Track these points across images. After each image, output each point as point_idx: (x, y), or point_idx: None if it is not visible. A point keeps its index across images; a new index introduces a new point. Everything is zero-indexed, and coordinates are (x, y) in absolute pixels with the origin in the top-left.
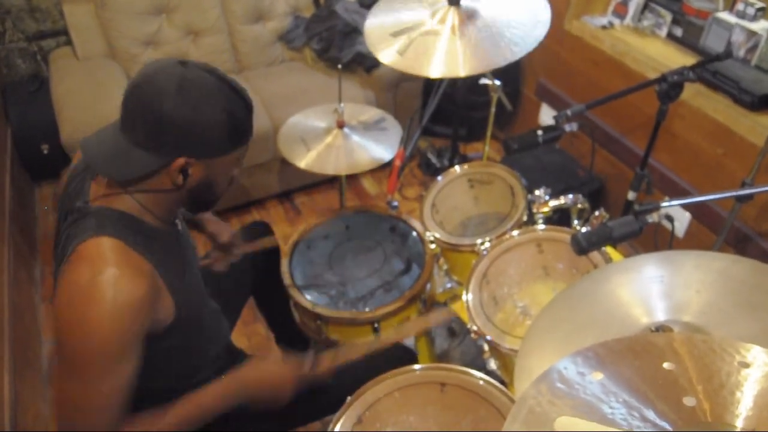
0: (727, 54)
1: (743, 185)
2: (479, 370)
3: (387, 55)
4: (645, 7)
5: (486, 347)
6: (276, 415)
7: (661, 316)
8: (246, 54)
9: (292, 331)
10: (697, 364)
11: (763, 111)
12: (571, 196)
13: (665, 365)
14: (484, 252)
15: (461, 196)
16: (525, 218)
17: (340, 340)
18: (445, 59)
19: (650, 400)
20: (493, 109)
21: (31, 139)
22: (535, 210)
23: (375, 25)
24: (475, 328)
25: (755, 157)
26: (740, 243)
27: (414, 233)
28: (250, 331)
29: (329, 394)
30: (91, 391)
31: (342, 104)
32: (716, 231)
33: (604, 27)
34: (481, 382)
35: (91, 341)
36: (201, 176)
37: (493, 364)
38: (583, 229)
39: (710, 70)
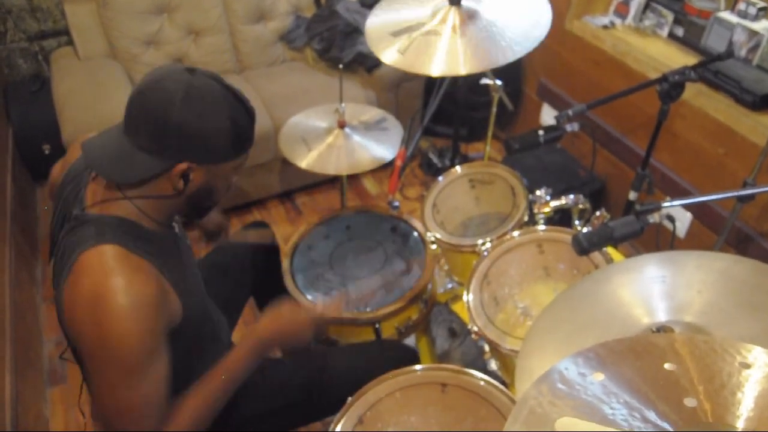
0: (729, 54)
1: (745, 185)
2: (480, 370)
3: (388, 55)
4: (646, 6)
5: (487, 348)
6: (277, 415)
7: (662, 316)
8: (247, 54)
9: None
10: (699, 365)
11: (765, 111)
12: (572, 196)
13: (666, 366)
14: (485, 252)
15: (462, 196)
16: (526, 218)
17: (340, 341)
18: (445, 58)
19: (651, 401)
20: (494, 109)
21: (33, 138)
22: (536, 210)
23: (376, 24)
24: (476, 328)
25: (757, 157)
26: (741, 243)
27: (415, 233)
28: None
29: (330, 394)
30: (133, 395)
31: (343, 104)
32: (717, 231)
33: (605, 27)
34: (482, 383)
35: (121, 349)
36: (201, 182)
37: (494, 365)
38: (584, 230)
39: (712, 69)
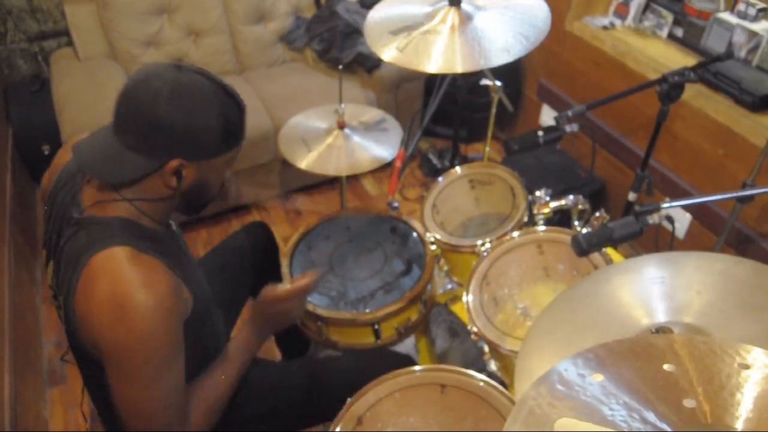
0: (728, 55)
1: (744, 186)
2: (480, 371)
3: (387, 52)
4: (646, 7)
5: (486, 348)
6: (277, 416)
7: (661, 317)
8: (247, 55)
9: (292, 332)
10: (698, 366)
11: (764, 111)
12: (571, 197)
13: (666, 367)
14: (485, 253)
15: (462, 196)
16: (526, 219)
17: (340, 341)
18: (443, 56)
19: (650, 402)
20: (493, 110)
21: (33, 139)
22: (535, 211)
23: (375, 22)
24: (475, 329)
25: (756, 157)
26: (741, 244)
27: (414, 234)
28: None
29: (330, 395)
30: (159, 393)
31: (343, 105)
32: (717, 232)
33: (605, 27)
34: (482, 384)
35: (148, 348)
36: (194, 178)
37: (493, 366)
38: (584, 230)
39: (711, 70)
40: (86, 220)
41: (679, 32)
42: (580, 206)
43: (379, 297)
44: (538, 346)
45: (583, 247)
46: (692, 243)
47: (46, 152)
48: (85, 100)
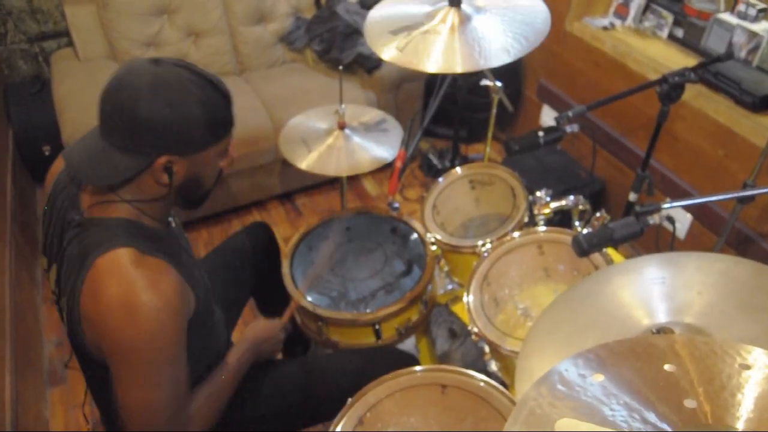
0: (729, 55)
1: (745, 186)
2: (480, 371)
3: (386, 51)
4: (646, 8)
5: (487, 349)
6: (278, 417)
7: (662, 317)
8: (247, 55)
9: (292, 332)
10: (698, 366)
11: (765, 112)
12: (572, 197)
13: (666, 367)
14: (485, 253)
15: (462, 197)
16: (526, 219)
17: (341, 342)
18: (443, 56)
19: (651, 402)
20: (494, 111)
21: (33, 140)
22: (536, 211)
23: (375, 22)
24: (476, 329)
25: (757, 158)
26: (742, 244)
27: (415, 234)
28: None
29: (331, 396)
30: (162, 393)
31: (343, 105)
32: (717, 232)
33: (605, 28)
34: (482, 384)
35: (153, 348)
36: (186, 173)
37: (494, 366)
38: (585, 231)
39: (711, 71)
40: (88, 222)
41: (679, 33)
42: (580, 207)
43: (379, 297)
44: (539, 346)
45: (584, 248)
46: (693, 243)
47: (47, 153)
48: (86, 100)
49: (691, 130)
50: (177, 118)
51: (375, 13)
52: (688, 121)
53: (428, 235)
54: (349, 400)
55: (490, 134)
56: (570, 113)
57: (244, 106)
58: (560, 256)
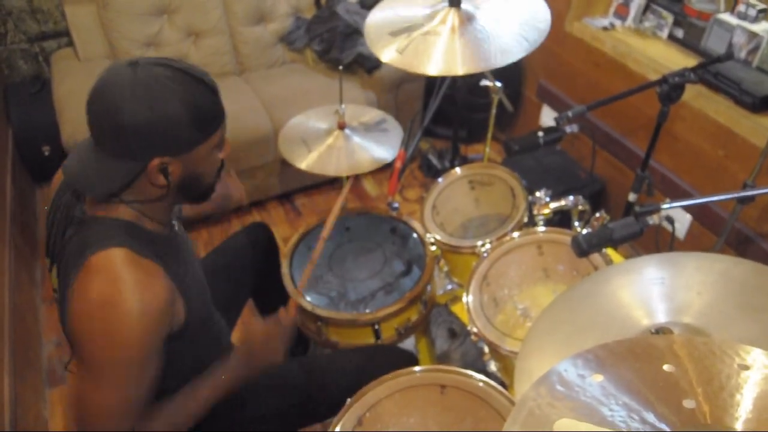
0: (729, 55)
1: (744, 187)
2: (479, 372)
3: (386, 53)
4: (646, 8)
5: (486, 349)
6: (277, 416)
7: (661, 317)
8: (247, 55)
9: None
10: (697, 367)
11: (765, 112)
12: (571, 197)
13: (665, 367)
14: (485, 254)
15: (462, 197)
16: (526, 220)
17: (340, 342)
18: (443, 58)
19: (650, 403)
20: (494, 111)
21: (33, 140)
22: (535, 212)
23: (375, 23)
24: (475, 330)
25: (756, 158)
26: (741, 245)
27: (414, 235)
28: None
29: (330, 396)
30: (119, 398)
31: (343, 105)
32: (717, 233)
33: (605, 28)
34: (481, 384)
35: (119, 351)
36: (183, 172)
37: (493, 366)
38: (584, 231)
39: (711, 71)
40: (88, 220)
41: (679, 33)
42: (580, 207)
43: (379, 297)
44: (538, 346)
45: (583, 248)
46: (692, 243)
47: (47, 153)
48: (86, 100)
49: (691, 131)
50: (161, 121)
51: (374, 15)
52: (688, 121)
53: (428, 235)
54: (349, 400)
55: (489, 134)
56: (570, 113)
57: (243, 107)
58: (560, 257)
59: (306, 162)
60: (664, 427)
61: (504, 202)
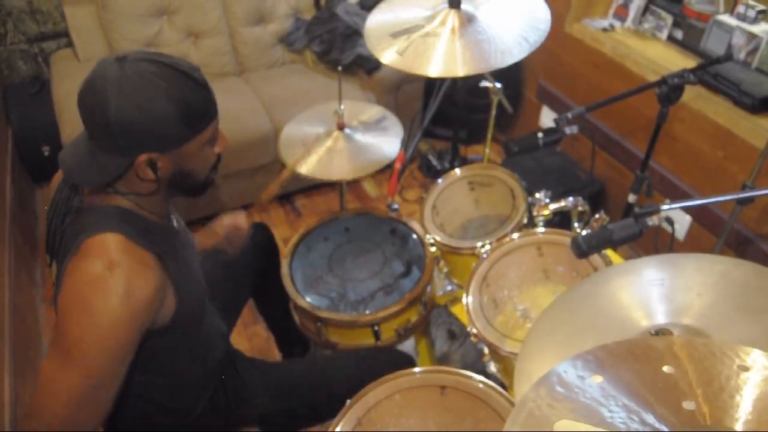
0: (728, 57)
1: (744, 188)
2: (479, 373)
3: (386, 55)
4: (646, 9)
5: (486, 350)
6: (277, 417)
7: (661, 319)
8: (247, 56)
9: (292, 333)
10: (697, 368)
11: (764, 113)
12: (571, 198)
13: (665, 368)
14: (485, 255)
15: (461, 198)
16: (525, 221)
17: (340, 343)
18: (444, 59)
19: (650, 404)
20: (493, 112)
21: (32, 140)
22: (535, 213)
23: (375, 25)
24: (475, 331)
25: (756, 159)
26: (741, 246)
27: (414, 236)
28: (250, 332)
29: (330, 397)
30: (86, 384)
31: (342, 106)
32: (717, 234)
33: (604, 29)
34: (481, 385)
35: (97, 334)
36: (173, 167)
37: (493, 367)
38: (584, 232)
39: (711, 72)
40: (86, 209)
41: (678, 34)
42: (579, 208)
43: (378, 298)
44: (538, 347)
45: (583, 249)
46: (692, 245)
47: (46, 153)
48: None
49: (690, 132)
50: (147, 118)
51: (374, 16)
52: (687, 122)
53: (427, 236)
54: (348, 401)
55: (489, 135)
56: (569, 114)
57: (243, 107)
58: (559, 258)
59: (305, 167)
60: (663, 428)
61: (504, 203)
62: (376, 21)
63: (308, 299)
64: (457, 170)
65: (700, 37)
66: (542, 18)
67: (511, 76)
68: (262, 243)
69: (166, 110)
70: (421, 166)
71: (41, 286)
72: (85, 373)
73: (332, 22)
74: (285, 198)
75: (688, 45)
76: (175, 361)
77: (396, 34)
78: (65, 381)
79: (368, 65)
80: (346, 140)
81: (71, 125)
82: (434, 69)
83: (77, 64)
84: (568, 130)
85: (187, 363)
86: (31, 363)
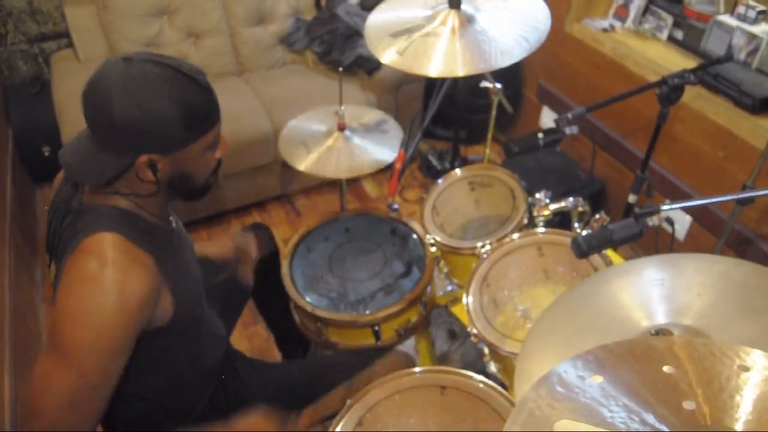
0: (728, 57)
1: (744, 188)
2: (479, 373)
3: (386, 55)
4: (646, 9)
5: (486, 350)
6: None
7: (661, 319)
8: (247, 56)
9: (292, 333)
10: (697, 368)
11: (764, 114)
12: (571, 198)
13: (665, 369)
14: (485, 255)
15: (462, 198)
16: (525, 221)
17: (340, 343)
18: (444, 59)
19: (650, 404)
20: (494, 112)
21: (33, 140)
22: (535, 213)
23: (375, 25)
24: (475, 331)
25: (756, 159)
26: (741, 246)
27: (414, 236)
28: (250, 333)
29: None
30: (79, 383)
31: (343, 107)
32: (717, 234)
33: (605, 30)
34: (481, 385)
35: (91, 332)
36: (172, 170)
37: (493, 367)
38: (584, 232)
39: (711, 73)
40: (85, 209)
41: (678, 34)
42: (580, 208)
43: (379, 298)
44: (538, 347)
45: (583, 249)
46: (692, 245)
47: (47, 153)
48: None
49: (690, 132)
50: (149, 119)
51: (375, 17)
52: (687, 122)
53: (428, 236)
54: (349, 401)
55: (489, 136)
56: (569, 115)
57: (243, 107)
58: (560, 258)
59: (305, 164)
60: (664, 428)
61: (504, 203)
62: (376, 21)
63: (308, 299)
64: (458, 170)
65: (701, 37)
66: (542, 18)
67: (512, 76)
68: (262, 243)
69: (169, 112)
70: (422, 167)
71: (41, 286)
72: (77, 372)
73: (333, 22)
74: (285, 198)
75: (688, 45)
76: (175, 362)
77: (396, 34)
78: (58, 379)
79: (369, 65)
80: (347, 141)
81: (72, 125)
82: (434, 69)
83: (78, 65)
84: (568, 131)
85: (187, 364)
86: (31, 363)
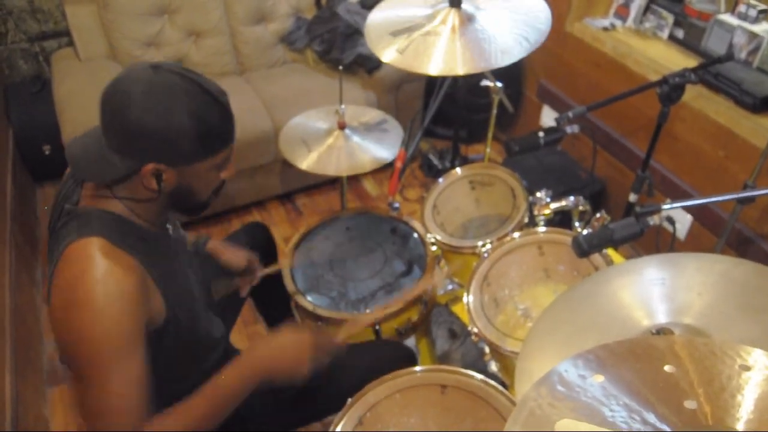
0: (729, 56)
1: (745, 187)
2: (480, 372)
3: (387, 54)
4: (647, 8)
5: (487, 349)
6: (277, 415)
7: (662, 318)
8: (247, 55)
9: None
10: (698, 367)
11: (765, 113)
12: (572, 198)
13: (666, 368)
14: (485, 254)
15: (462, 197)
16: (526, 220)
17: None
18: (444, 58)
19: (651, 403)
20: (494, 111)
21: (33, 139)
22: (536, 212)
23: (376, 24)
24: (476, 330)
25: (757, 159)
26: (742, 245)
27: (415, 235)
28: (251, 331)
29: (330, 395)
30: (105, 393)
31: (343, 106)
32: (718, 233)
33: (605, 29)
34: (482, 384)
35: (91, 343)
36: (177, 182)
37: (494, 366)
38: (585, 231)
39: (712, 72)
40: (75, 211)
41: (679, 33)
42: (580, 207)
43: (379, 297)
44: (539, 347)
45: (584, 248)
46: (693, 244)
47: (47, 153)
48: (86, 100)
49: (691, 131)
50: (164, 128)
51: (375, 15)
52: (688, 122)
53: (428, 235)
54: (349, 400)
55: (490, 135)
56: (570, 114)
57: (244, 107)
58: (560, 257)
59: (306, 162)
60: (665, 427)
61: (504, 202)
62: (376, 19)
63: (309, 298)
64: (458, 169)
65: (701, 36)
66: (543, 17)
67: (512, 75)
68: (261, 242)
69: (185, 125)
70: (422, 166)
71: (41, 286)
72: (104, 382)
73: (333, 21)
74: (286, 197)
75: (689, 44)
76: (173, 363)
77: (396, 33)
78: (93, 397)
79: (369, 64)
80: (347, 139)
81: (72, 124)
82: (434, 67)
83: (78, 64)
84: (569, 130)
85: (185, 365)
86: (32, 362)
